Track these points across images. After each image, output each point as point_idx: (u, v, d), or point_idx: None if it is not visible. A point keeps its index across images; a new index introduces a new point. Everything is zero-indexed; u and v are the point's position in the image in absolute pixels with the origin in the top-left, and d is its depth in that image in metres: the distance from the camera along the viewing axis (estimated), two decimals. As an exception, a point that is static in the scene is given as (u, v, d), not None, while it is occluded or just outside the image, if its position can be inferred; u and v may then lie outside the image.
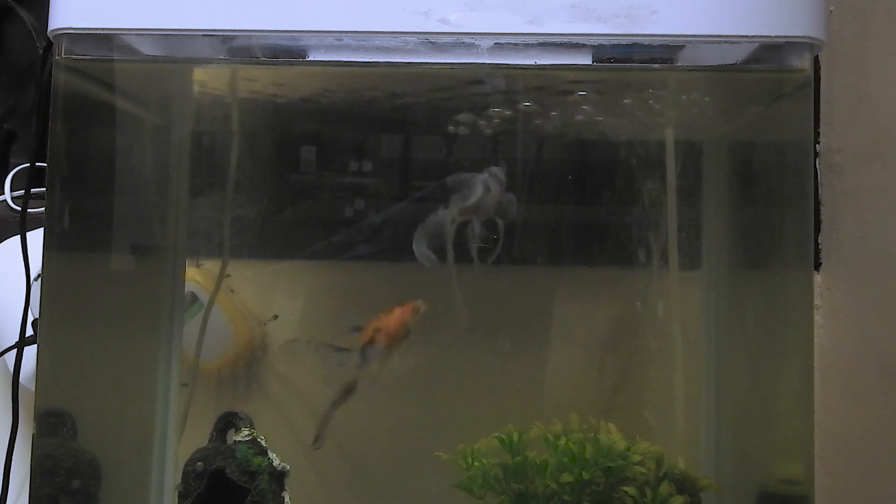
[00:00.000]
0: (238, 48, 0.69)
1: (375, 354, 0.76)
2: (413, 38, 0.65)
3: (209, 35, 0.65)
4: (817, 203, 0.91)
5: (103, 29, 0.66)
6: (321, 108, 0.85)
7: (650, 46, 0.66)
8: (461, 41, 0.65)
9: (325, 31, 0.64)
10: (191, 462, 0.72)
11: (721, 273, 0.85)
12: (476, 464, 0.74)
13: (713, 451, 0.83)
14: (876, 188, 0.84)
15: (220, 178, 0.88)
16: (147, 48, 0.69)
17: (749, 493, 0.78)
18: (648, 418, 0.85)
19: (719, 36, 0.63)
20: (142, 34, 0.66)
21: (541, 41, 0.64)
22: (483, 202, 0.78)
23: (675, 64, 0.68)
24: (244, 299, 0.94)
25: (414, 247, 0.78)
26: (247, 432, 0.72)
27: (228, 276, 0.91)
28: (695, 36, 0.63)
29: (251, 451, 0.71)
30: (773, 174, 0.75)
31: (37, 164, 0.79)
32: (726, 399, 0.83)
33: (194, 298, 0.90)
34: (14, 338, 0.84)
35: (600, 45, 0.65)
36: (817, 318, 0.91)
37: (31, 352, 0.81)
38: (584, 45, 0.65)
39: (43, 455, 0.71)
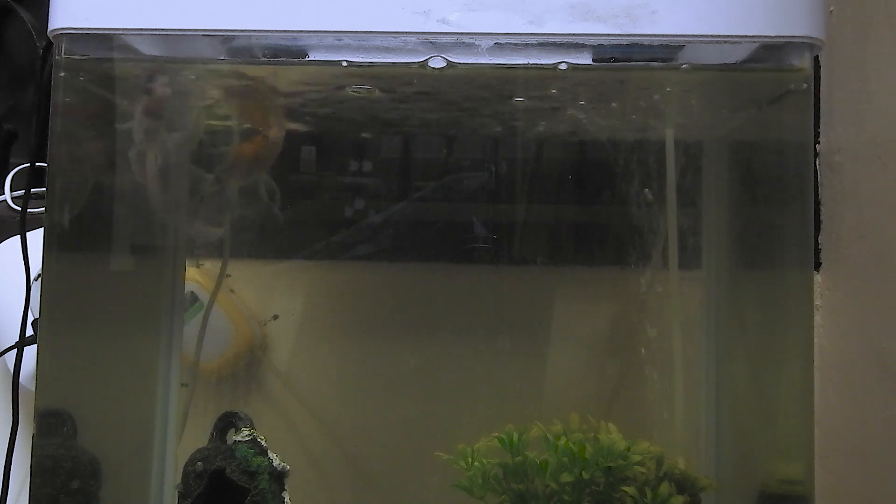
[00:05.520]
0: (238, 48, 0.69)
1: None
2: (413, 38, 0.65)
3: (209, 35, 0.65)
4: (817, 203, 0.91)
5: (103, 29, 0.66)
6: (321, 109, 0.85)
7: (650, 46, 0.66)
8: (461, 41, 0.65)
9: (325, 31, 0.64)
10: (191, 462, 0.72)
11: (721, 273, 0.85)
12: (476, 464, 0.74)
13: (713, 451, 0.83)
14: (876, 188, 0.84)
15: (220, 178, 0.88)
16: (147, 48, 0.69)
17: (749, 493, 0.78)
18: (648, 418, 0.85)
19: (719, 36, 0.63)
20: (142, 34, 0.66)
21: (541, 41, 0.64)
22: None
23: (675, 64, 0.68)
24: (244, 299, 0.94)
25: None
26: (247, 432, 0.72)
27: (228, 276, 0.91)
28: (695, 36, 0.63)
29: (251, 451, 0.71)
30: (773, 174, 0.75)
31: (37, 164, 0.79)
32: (726, 399, 0.83)
33: (194, 298, 0.90)
34: (14, 338, 0.84)
35: (600, 45, 0.65)
36: (817, 318, 0.91)
37: (31, 352, 0.81)
38: (584, 45, 0.65)
39: (43, 455, 0.71)
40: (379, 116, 0.88)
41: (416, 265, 0.93)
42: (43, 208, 0.72)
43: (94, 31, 0.66)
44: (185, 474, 0.72)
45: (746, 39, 0.63)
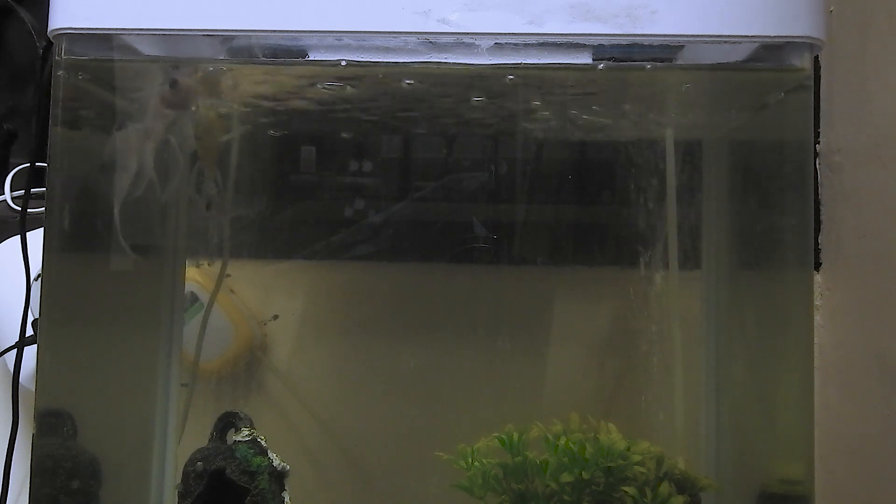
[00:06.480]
0: (238, 48, 0.69)
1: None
2: (413, 38, 0.65)
3: (209, 35, 0.65)
4: (817, 203, 0.91)
5: (103, 29, 0.66)
6: (321, 109, 0.85)
7: (650, 46, 0.66)
8: (461, 41, 0.65)
9: (325, 31, 0.64)
10: (191, 462, 0.72)
11: (721, 273, 0.85)
12: (476, 464, 0.74)
13: (713, 451, 0.83)
14: (876, 188, 0.84)
15: (220, 178, 0.88)
16: (147, 48, 0.69)
17: (749, 493, 0.78)
18: (648, 418, 0.85)
19: (719, 36, 0.63)
20: (142, 34, 0.66)
21: (541, 41, 0.64)
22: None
23: (675, 63, 0.68)
24: (244, 299, 0.94)
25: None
26: (247, 432, 0.72)
27: (228, 276, 0.91)
28: (695, 36, 0.63)
29: (251, 451, 0.71)
30: (774, 174, 0.75)
31: (37, 164, 0.79)
32: (726, 399, 0.83)
33: (194, 298, 0.90)
34: (14, 338, 0.84)
35: (600, 45, 0.65)
36: (817, 318, 0.91)
37: (31, 352, 0.81)
38: (584, 45, 0.65)
39: (43, 455, 0.71)
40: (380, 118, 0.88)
41: (416, 265, 0.93)
42: (43, 208, 0.72)
43: (94, 31, 0.66)
44: (185, 474, 0.72)
45: (746, 39, 0.64)
